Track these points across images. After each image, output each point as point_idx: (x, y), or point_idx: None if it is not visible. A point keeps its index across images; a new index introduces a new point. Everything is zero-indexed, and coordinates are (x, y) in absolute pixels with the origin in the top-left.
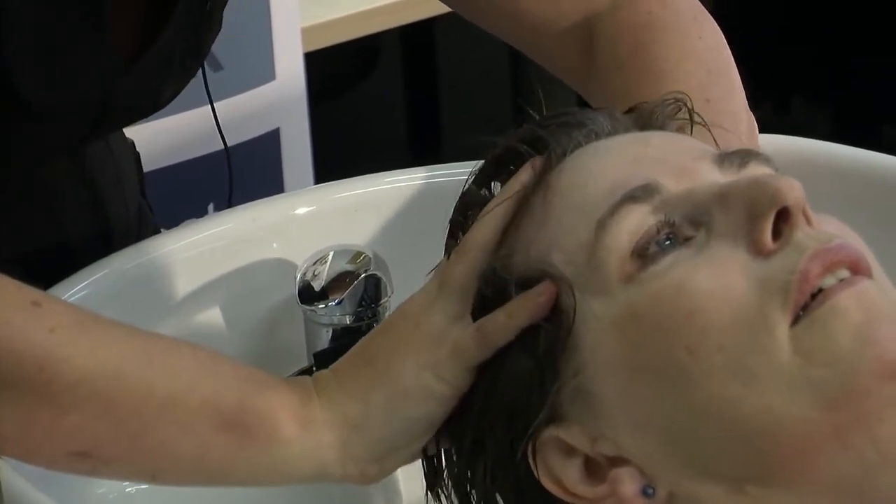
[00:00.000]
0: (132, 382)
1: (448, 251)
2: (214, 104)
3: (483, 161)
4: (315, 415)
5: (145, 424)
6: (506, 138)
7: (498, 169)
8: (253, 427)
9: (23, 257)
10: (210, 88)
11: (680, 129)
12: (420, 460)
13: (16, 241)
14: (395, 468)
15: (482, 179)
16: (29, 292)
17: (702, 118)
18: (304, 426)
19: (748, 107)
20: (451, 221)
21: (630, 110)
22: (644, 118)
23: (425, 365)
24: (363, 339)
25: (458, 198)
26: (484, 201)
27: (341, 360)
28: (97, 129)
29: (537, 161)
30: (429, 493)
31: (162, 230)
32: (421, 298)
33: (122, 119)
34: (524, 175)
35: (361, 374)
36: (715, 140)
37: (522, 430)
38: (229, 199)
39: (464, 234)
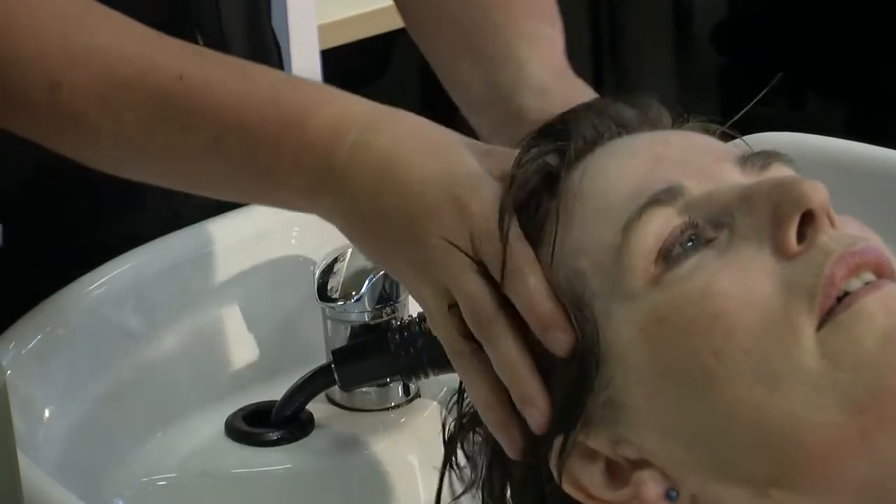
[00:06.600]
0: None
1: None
2: None
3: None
4: (320, 201)
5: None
6: (530, 134)
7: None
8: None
9: None
10: None
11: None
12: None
13: None
14: None
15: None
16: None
17: (734, 132)
18: (309, 197)
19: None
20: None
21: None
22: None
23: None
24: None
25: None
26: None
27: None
28: None
29: None
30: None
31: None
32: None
33: None
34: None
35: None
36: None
37: (549, 443)
38: None
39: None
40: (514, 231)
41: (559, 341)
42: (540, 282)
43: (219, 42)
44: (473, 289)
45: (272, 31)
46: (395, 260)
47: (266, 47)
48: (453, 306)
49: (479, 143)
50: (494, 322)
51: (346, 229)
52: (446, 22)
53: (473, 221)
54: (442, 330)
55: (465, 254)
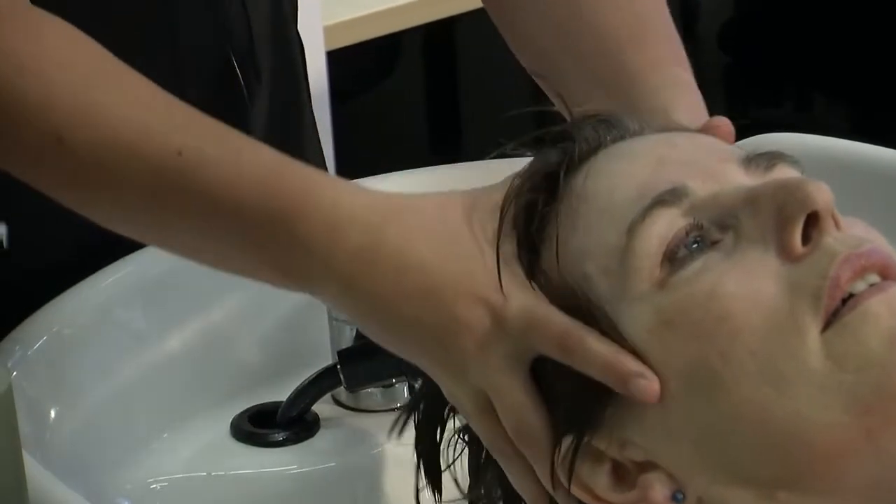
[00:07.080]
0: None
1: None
2: None
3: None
4: (320, 293)
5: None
6: (533, 140)
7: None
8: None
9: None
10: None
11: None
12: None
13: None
14: None
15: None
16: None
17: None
18: (308, 288)
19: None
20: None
21: None
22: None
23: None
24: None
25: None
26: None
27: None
28: None
29: None
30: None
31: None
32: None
33: None
34: None
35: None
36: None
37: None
38: None
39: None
40: (550, 309)
41: (648, 389)
42: (601, 342)
43: (248, 44)
44: (515, 401)
45: (298, 34)
46: (420, 357)
47: (291, 50)
48: (492, 412)
49: (467, 199)
50: (537, 439)
51: (356, 321)
52: (570, 57)
53: (511, 321)
54: (482, 431)
55: (503, 353)
